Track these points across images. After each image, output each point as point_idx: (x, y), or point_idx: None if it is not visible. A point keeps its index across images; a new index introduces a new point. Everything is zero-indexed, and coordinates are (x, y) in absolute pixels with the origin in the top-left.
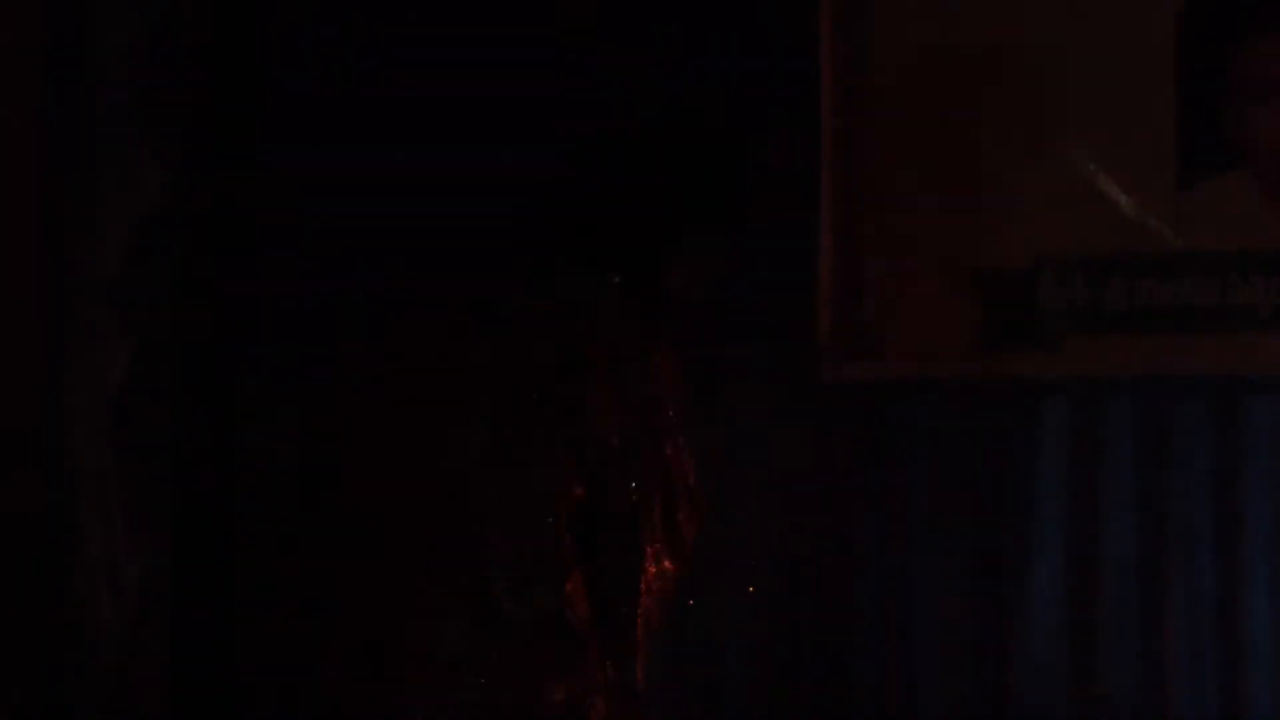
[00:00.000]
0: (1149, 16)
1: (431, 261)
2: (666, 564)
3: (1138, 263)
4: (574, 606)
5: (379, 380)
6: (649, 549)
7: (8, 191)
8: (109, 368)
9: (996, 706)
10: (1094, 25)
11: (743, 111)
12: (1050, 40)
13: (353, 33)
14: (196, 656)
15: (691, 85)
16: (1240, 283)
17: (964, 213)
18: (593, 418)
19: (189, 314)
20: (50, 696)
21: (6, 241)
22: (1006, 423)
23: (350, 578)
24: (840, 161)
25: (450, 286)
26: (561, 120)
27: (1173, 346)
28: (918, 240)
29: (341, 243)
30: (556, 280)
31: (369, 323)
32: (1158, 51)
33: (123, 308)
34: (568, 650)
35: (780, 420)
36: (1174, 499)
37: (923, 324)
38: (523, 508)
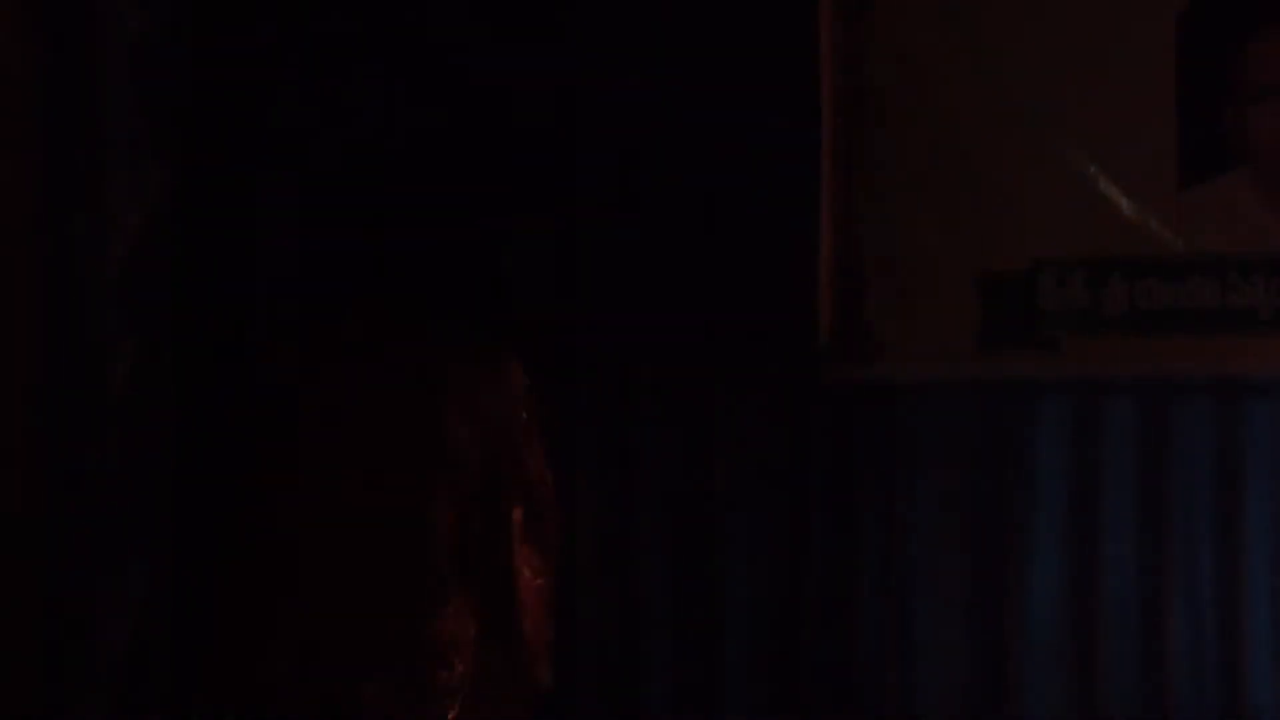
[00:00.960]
0: (1149, 18)
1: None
2: (528, 573)
3: (1138, 264)
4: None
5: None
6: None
7: (10, 191)
8: (111, 368)
9: (997, 706)
10: (1094, 26)
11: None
12: (1050, 41)
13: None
14: (200, 662)
15: (698, 89)
16: (1240, 284)
17: (964, 214)
18: (452, 437)
19: (192, 315)
20: (52, 702)
21: (9, 241)
22: (1007, 424)
23: (334, 582)
24: (840, 163)
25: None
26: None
27: (1173, 347)
28: (918, 242)
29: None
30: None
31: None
32: (1158, 52)
33: (125, 309)
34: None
35: (781, 422)
36: (1174, 500)
37: (923, 325)
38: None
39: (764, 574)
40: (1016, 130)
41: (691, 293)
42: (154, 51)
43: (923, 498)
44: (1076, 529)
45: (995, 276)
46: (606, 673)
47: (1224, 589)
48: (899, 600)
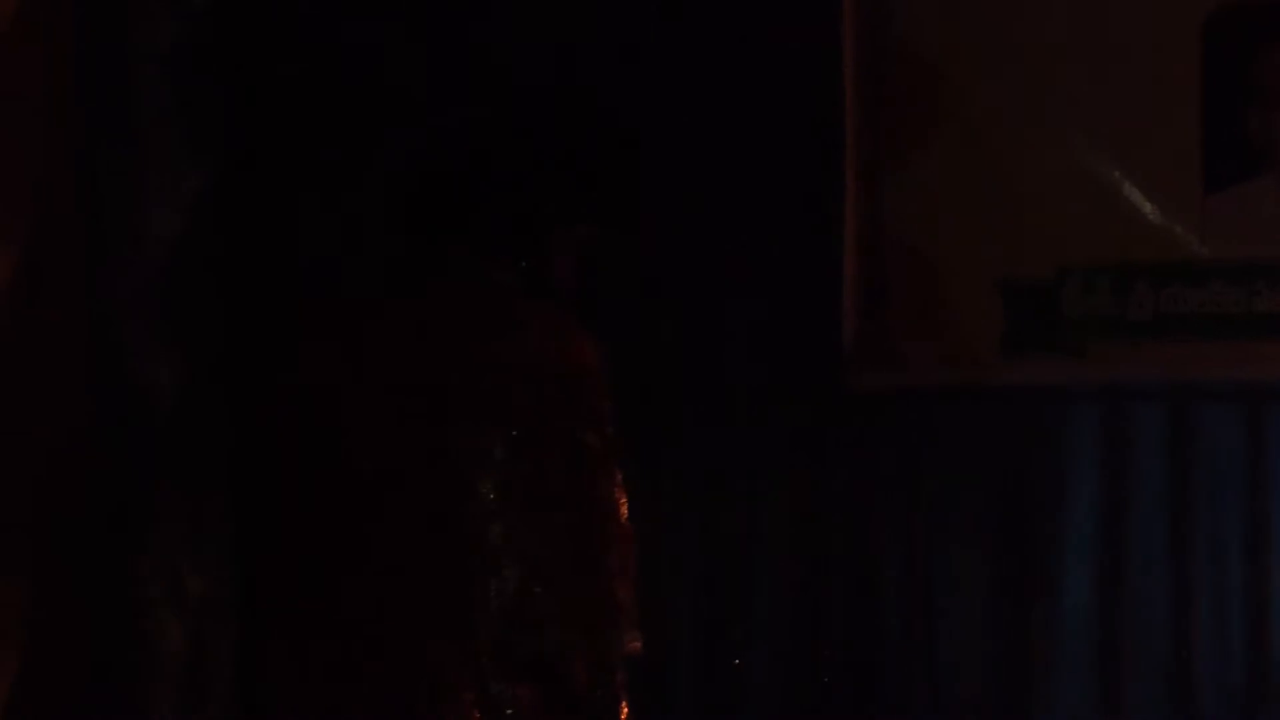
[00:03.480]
0: (1175, 22)
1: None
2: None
3: (1163, 269)
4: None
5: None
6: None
7: (48, 198)
8: (158, 376)
9: (1023, 712)
10: (1119, 31)
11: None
12: (1075, 47)
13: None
14: (259, 676)
15: (721, 95)
16: (1266, 289)
17: (988, 220)
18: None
19: (238, 319)
20: (109, 709)
21: (47, 250)
22: (1031, 430)
23: (391, 595)
24: (864, 170)
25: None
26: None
27: (1198, 353)
28: (941, 248)
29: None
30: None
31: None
32: (1183, 57)
33: (169, 316)
34: None
35: (805, 429)
36: (1200, 507)
37: (947, 332)
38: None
39: (788, 581)
40: (1041, 136)
41: (713, 300)
42: (189, 58)
43: (947, 505)
44: (1102, 535)
45: (1020, 283)
46: (630, 674)
47: (1252, 594)
48: (924, 608)
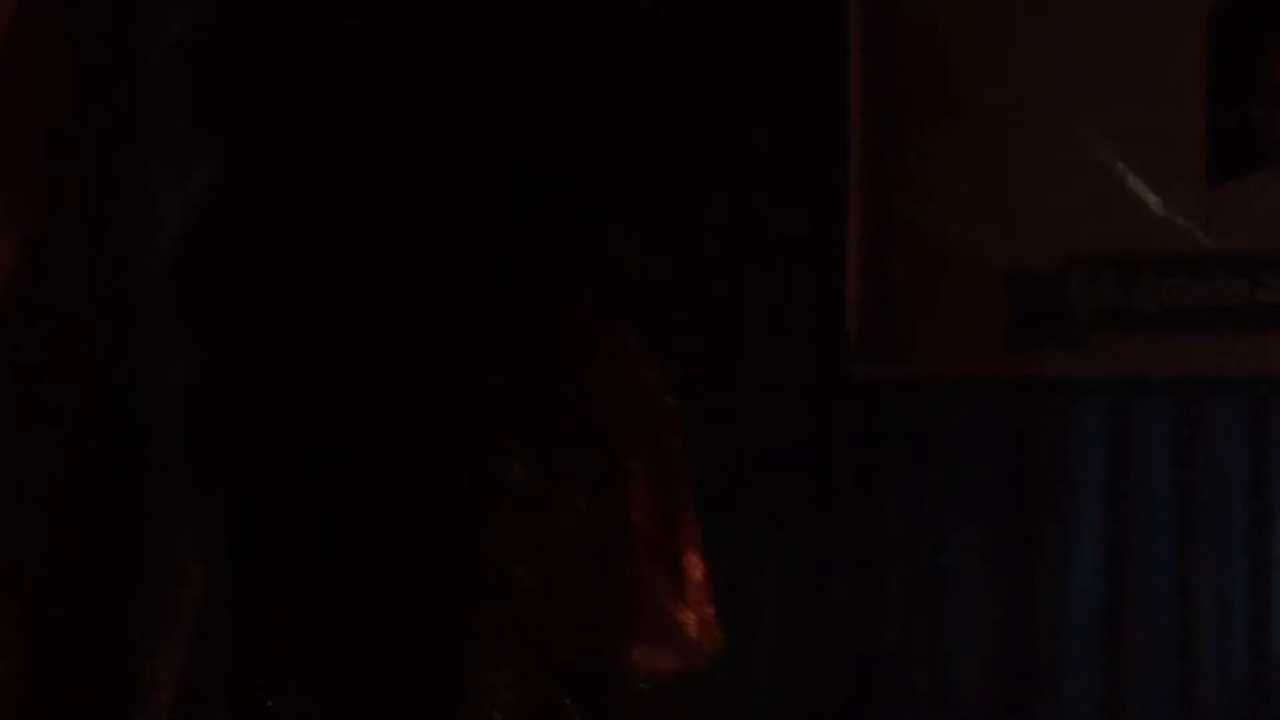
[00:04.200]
0: (1180, 14)
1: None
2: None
3: (1168, 261)
4: None
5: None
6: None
7: (60, 190)
8: (168, 366)
9: (1027, 707)
10: (1125, 23)
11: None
12: (1081, 38)
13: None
14: (260, 665)
15: (725, 83)
16: (1271, 281)
17: (994, 211)
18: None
19: (246, 310)
20: (110, 704)
21: (58, 241)
22: (1036, 422)
23: (403, 592)
24: (869, 160)
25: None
26: None
27: (1203, 346)
28: (947, 239)
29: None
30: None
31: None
32: (1189, 49)
33: (179, 305)
34: None
35: (810, 420)
36: (1205, 498)
37: (952, 323)
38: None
39: (791, 572)
40: (1046, 127)
41: (718, 289)
42: (198, 50)
43: (952, 495)
44: (1107, 528)
45: (1025, 273)
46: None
47: (1256, 590)
48: (928, 599)
